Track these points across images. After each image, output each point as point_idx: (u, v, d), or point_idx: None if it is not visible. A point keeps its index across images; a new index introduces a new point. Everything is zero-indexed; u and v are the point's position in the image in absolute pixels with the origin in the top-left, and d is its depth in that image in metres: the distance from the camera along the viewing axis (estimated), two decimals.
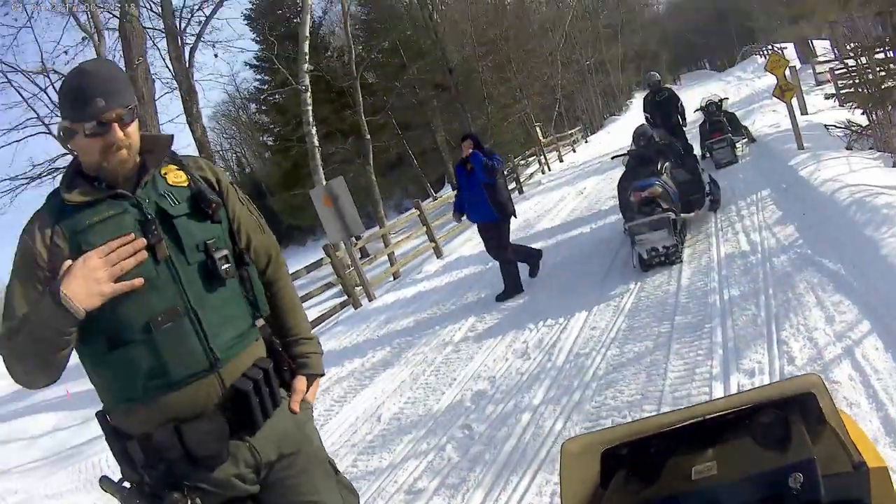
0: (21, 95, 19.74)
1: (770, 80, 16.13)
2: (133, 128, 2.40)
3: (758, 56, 53.27)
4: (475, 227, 11.32)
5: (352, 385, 8.32)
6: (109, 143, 2.33)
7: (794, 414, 1.74)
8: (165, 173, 2.51)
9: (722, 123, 15.26)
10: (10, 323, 2.29)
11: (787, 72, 13.28)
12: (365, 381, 8.32)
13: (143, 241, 2.30)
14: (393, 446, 6.13)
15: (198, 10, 19.49)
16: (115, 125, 2.32)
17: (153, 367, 2.33)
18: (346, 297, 13.94)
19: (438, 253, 17.07)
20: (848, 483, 1.59)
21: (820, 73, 27.05)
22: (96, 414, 2.46)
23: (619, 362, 6.27)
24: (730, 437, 1.78)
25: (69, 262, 2.23)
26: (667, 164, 9.97)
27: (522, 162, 30.73)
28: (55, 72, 18.30)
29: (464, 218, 10.57)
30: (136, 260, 2.28)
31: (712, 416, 1.82)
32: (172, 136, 2.64)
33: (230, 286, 2.51)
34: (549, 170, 29.77)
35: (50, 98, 19.37)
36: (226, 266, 2.50)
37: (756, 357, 5.33)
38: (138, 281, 2.29)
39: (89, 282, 2.21)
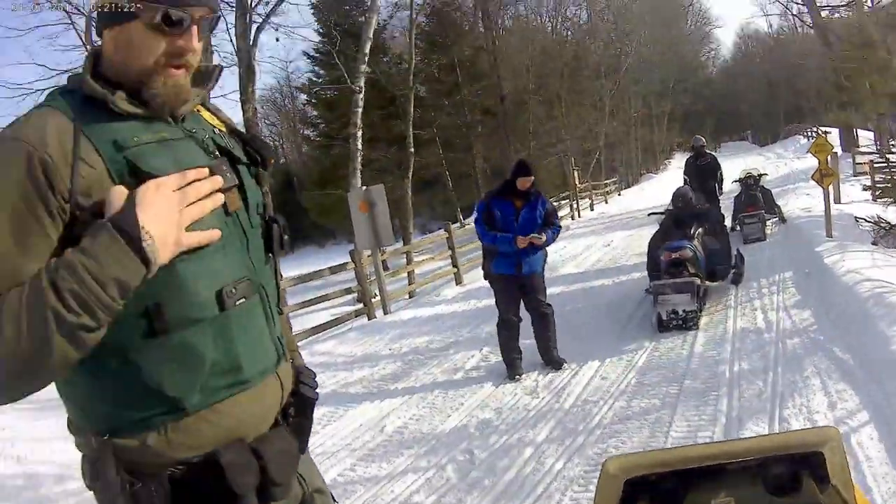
0: (81, 39, 19.12)
1: (809, 162, 16.12)
2: (201, 47, 1.77)
3: (801, 136, 53.23)
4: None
5: (358, 392, 8.42)
6: (179, 49, 1.69)
7: (806, 468, 1.77)
8: (198, 111, 1.95)
9: (757, 199, 15.30)
10: None
11: (830, 157, 13.26)
12: (373, 391, 8.41)
13: (220, 180, 1.69)
14: (393, 458, 6.22)
15: None
16: (196, 28, 1.71)
17: (222, 359, 1.73)
18: (361, 306, 14.03)
19: (458, 279, 17.10)
20: None
21: (859, 163, 27.05)
22: (82, 444, 1.75)
23: (626, 414, 6.40)
24: (744, 482, 1.80)
25: (122, 188, 1.56)
26: (700, 229, 10.12)
27: (555, 204, 30.62)
28: None
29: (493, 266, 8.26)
30: (215, 203, 1.68)
31: (728, 461, 1.82)
32: (221, 67, 2.04)
33: (271, 266, 1.99)
34: (580, 216, 29.86)
35: None
36: (285, 237, 2.01)
37: (757, 430, 5.47)
38: (216, 232, 1.69)
39: (168, 223, 1.55)
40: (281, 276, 14.58)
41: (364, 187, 15.21)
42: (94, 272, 1.45)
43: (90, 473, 1.70)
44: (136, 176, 1.60)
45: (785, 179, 25.48)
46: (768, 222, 15.40)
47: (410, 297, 16.08)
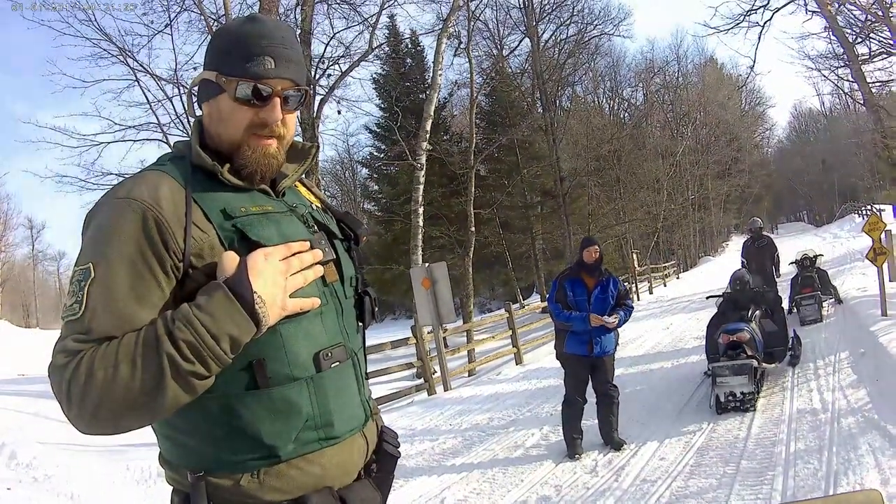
0: (146, 97, 18.98)
1: (864, 242, 15.93)
2: (293, 120, 1.96)
3: (856, 215, 52.60)
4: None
5: (419, 465, 8.53)
6: (262, 120, 1.86)
7: None
8: (297, 187, 2.14)
9: (813, 280, 15.15)
10: (99, 325, 1.64)
11: (883, 235, 13.20)
12: (433, 464, 8.53)
13: (320, 254, 1.85)
14: None
15: (333, 63, 19.95)
16: (278, 100, 1.87)
17: (316, 415, 1.86)
18: (421, 381, 14.11)
19: (519, 359, 17.06)
20: None
21: None
22: (174, 479, 1.88)
23: (683, 493, 6.46)
24: None
25: (233, 254, 1.71)
26: (757, 312, 10.17)
27: None
28: (183, 86, 17.31)
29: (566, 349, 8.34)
30: (316, 274, 1.83)
31: None
32: (318, 145, 2.31)
33: (361, 336, 2.14)
34: (639, 300, 29.66)
35: (174, 107, 18.81)
36: (376, 309, 2.17)
37: None
38: (316, 301, 1.84)
39: (275, 288, 1.70)
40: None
41: (427, 264, 15.42)
42: (208, 326, 1.60)
43: None
44: (244, 243, 1.77)
45: (841, 260, 25.29)
46: (825, 303, 15.27)
47: (470, 375, 16.16)
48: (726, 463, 7.11)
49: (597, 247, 8.28)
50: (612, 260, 38.58)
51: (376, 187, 46.77)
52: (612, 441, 8.28)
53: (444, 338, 16.75)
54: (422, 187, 19.71)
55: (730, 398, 8.84)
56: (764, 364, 9.54)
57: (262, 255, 1.71)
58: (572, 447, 8.20)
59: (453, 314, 13.97)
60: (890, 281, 13.72)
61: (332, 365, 1.90)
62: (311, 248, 1.83)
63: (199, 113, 1.98)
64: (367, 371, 2.21)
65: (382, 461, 2.11)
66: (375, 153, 44.64)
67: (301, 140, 2.18)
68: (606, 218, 40.64)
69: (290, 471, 1.82)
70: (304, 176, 2.18)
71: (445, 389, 14.10)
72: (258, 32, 1.85)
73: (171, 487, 1.88)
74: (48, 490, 6.71)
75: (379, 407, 8.89)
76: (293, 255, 1.76)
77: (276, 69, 1.84)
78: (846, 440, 6.97)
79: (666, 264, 41.51)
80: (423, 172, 19.68)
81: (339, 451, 1.92)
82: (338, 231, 2.11)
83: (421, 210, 19.71)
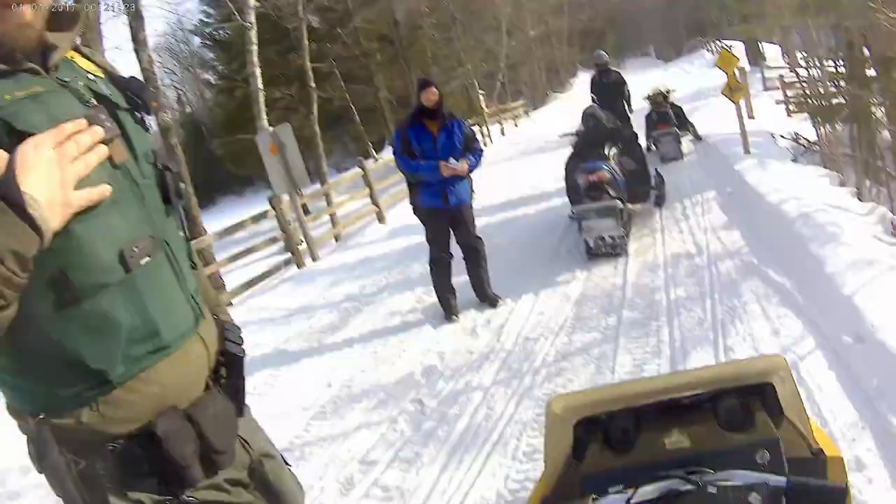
0: None
1: (717, 78, 16.04)
2: None
3: (705, 50, 53.50)
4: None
5: (301, 348, 8.37)
6: None
7: (757, 399, 1.79)
8: (72, 58, 1.77)
9: (668, 116, 15.16)
10: None
11: (737, 71, 13.24)
12: (314, 344, 8.38)
13: (101, 131, 1.54)
14: (344, 413, 6.24)
15: None
16: None
17: (138, 324, 1.65)
18: (289, 255, 13.87)
19: (381, 218, 16.92)
20: (807, 468, 1.72)
21: (769, 78, 27.18)
22: (23, 427, 1.71)
23: (568, 351, 6.47)
24: (696, 417, 1.82)
25: (2, 152, 1.42)
26: (614, 149, 9.94)
27: None
28: None
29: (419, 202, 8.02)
30: (99, 157, 1.53)
31: (679, 395, 1.84)
32: (89, 6, 1.85)
33: (174, 218, 1.87)
34: (492, 142, 29.74)
35: None
36: (181, 185, 1.91)
37: (704, 360, 5.52)
38: (107, 188, 1.56)
39: (52, 183, 1.41)
40: (204, 230, 14.12)
41: (271, 128, 14.89)
42: None
43: (36, 456, 1.67)
44: (13, 136, 1.48)
45: (694, 96, 25.55)
46: (683, 139, 15.36)
47: (337, 241, 15.93)
48: (607, 314, 7.15)
49: (434, 88, 7.67)
50: (459, 104, 38.05)
51: (211, 55, 45.06)
52: (486, 297, 8.21)
53: (304, 205, 16.43)
54: (255, 47, 18.62)
55: (600, 243, 8.80)
56: (629, 205, 9.52)
57: (32, 145, 1.41)
58: (448, 308, 8.11)
59: (306, 178, 13.55)
60: (749, 118, 13.86)
61: (142, 261, 1.66)
62: (90, 125, 1.52)
63: None
64: (193, 259, 1.98)
65: (228, 364, 1.94)
66: (205, 19, 42.84)
67: (70, 3, 1.85)
68: (448, 60, 39.99)
69: (127, 396, 1.65)
70: (82, 44, 1.86)
71: (314, 260, 13.88)
72: None
73: (26, 438, 1.70)
74: None
75: (254, 289, 8.66)
76: (68, 138, 1.46)
77: None
78: (727, 286, 7.02)
79: (515, 104, 41.22)
80: (254, 32, 18.59)
81: (175, 362, 1.73)
82: (123, 101, 1.80)
83: (258, 72, 18.70)
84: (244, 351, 2.00)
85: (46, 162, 1.41)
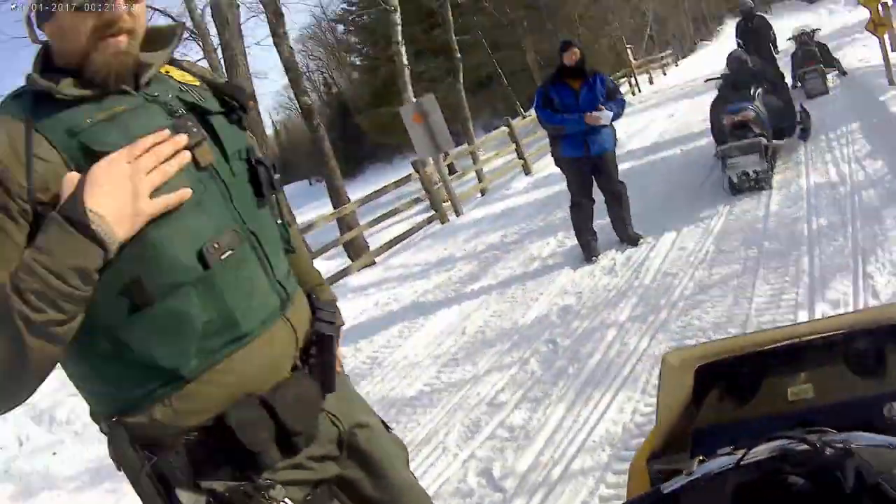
0: None
1: (860, 15, 15.36)
2: (140, 8, 1.64)
3: None
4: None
5: (437, 298, 8.33)
6: (107, 20, 1.56)
7: (892, 342, 1.64)
8: (168, 73, 1.80)
9: (814, 53, 14.72)
10: None
11: (881, 7, 12.54)
12: (451, 294, 8.33)
13: (183, 139, 1.60)
14: (476, 359, 6.12)
15: None
16: None
17: (216, 318, 1.63)
18: (433, 213, 13.93)
19: (527, 170, 16.89)
20: None
21: None
22: (103, 425, 1.68)
23: (707, 283, 6.16)
24: (824, 361, 1.70)
25: (74, 174, 1.47)
26: (759, 89, 9.74)
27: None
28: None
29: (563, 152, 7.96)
30: (179, 164, 1.57)
31: (807, 338, 1.72)
32: (183, 24, 2.03)
33: (268, 208, 1.88)
34: (640, 91, 29.14)
35: None
36: (276, 176, 1.90)
37: (841, 288, 5.17)
38: (186, 192, 1.58)
39: (121, 197, 1.46)
40: (348, 199, 14.58)
41: (415, 99, 15.03)
42: (48, 266, 1.39)
43: (114, 456, 1.65)
44: (91, 158, 1.50)
45: (840, 34, 24.36)
46: (828, 75, 14.89)
47: (483, 195, 16.00)
48: (748, 246, 6.76)
49: (576, 48, 7.79)
50: (608, 59, 37.55)
51: (356, 39, 46.33)
52: (627, 237, 8.00)
53: (451, 164, 16.52)
54: (400, 27, 18.79)
55: (743, 178, 8.50)
56: (774, 141, 9.15)
57: (104, 163, 1.48)
58: (588, 250, 7.93)
59: (450, 141, 13.51)
60: (892, 51, 13.23)
61: (224, 256, 1.64)
62: (174, 135, 1.58)
63: (42, 37, 1.66)
64: (293, 244, 2.01)
65: (317, 343, 1.87)
66: (347, 7, 44.11)
67: (165, 28, 1.85)
68: (594, 20, 39.17)
69: (201, 388, 1.62)
70: (178, 59, 1.89)
71: (458, 215, 13.93)
72: None
73: (107, 440, 1.68)
74: (89, 438, 6.53)
75: (395, 248, 8.86)
76: (145, 151, 1.52)
77: None
78: (870, 214, 6.53)
79: (662, 54, 40.16)
80: (398, 14, 18.76)
81: (255, 350, 1.69)
82: (217, 105, 1.81)
83: (403, 49, 18.92)
84: (335, 328, 1.94)
85: (117, 176, 1.47)
